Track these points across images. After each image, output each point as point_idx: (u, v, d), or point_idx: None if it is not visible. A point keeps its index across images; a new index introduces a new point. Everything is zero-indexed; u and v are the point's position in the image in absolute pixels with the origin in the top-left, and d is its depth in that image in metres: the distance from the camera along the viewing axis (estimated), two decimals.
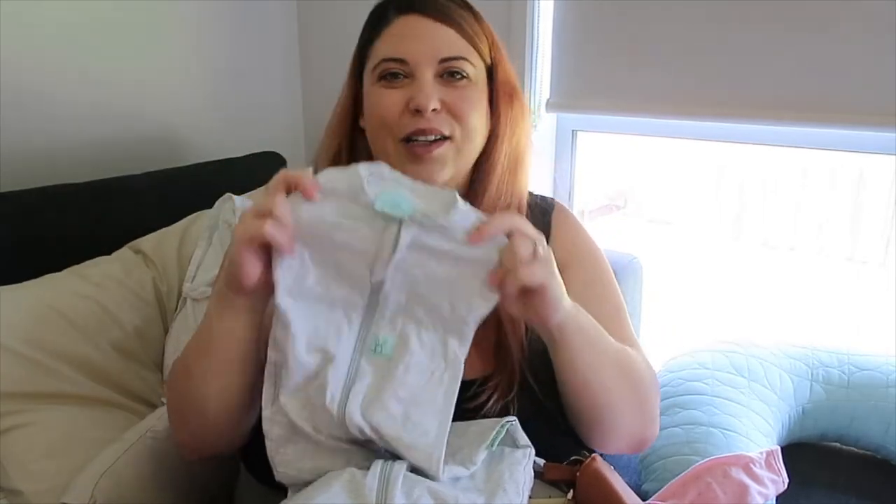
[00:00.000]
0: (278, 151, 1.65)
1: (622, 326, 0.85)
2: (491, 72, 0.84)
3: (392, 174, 0.68)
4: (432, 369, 0.66)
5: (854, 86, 1.16)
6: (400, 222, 0.65)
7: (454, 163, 0.81)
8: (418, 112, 0.77)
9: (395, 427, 0.64)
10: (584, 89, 1.47)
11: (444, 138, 0.79)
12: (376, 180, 0.67)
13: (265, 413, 0.67)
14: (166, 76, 1.58)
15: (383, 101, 0.80)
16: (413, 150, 0.79)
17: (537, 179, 1.57)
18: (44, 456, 0.97)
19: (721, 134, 1.38)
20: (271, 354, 0.67)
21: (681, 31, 1.31)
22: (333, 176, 0.67)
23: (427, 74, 0.79)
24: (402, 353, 0.66)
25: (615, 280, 0.90)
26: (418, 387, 0.66)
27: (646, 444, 0.81)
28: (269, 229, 0.62)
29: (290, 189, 0.65)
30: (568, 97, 1.49)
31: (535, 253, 0.64)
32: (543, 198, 0.95)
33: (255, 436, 0.76)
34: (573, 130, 1.58)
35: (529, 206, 0.90)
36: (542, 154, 1.58)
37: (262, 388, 0.69)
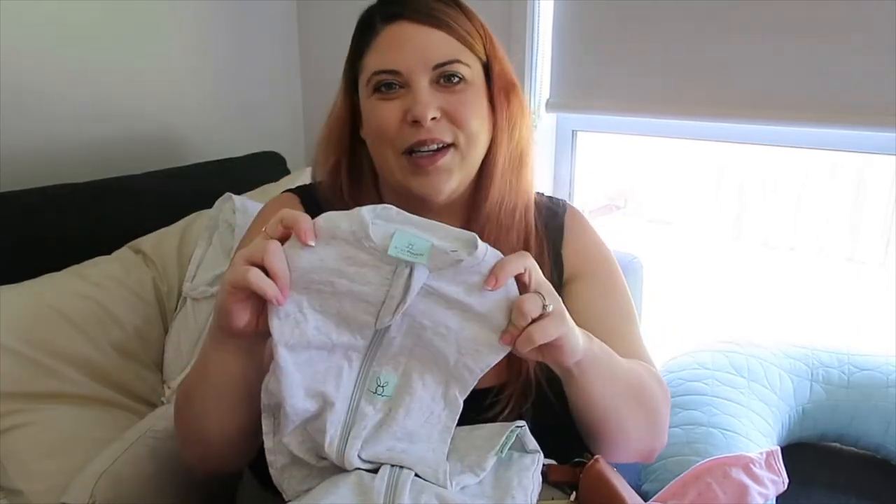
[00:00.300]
0: (278, 151, 1.65)
1: (633, 336, 0.84)
2: (487, 69, 0.82)
3: (400, 216, 0.63)
4: (431, 409, 0.65)
5: (854, 86, 1.16)
6: (412, 267, 0.61)
7: (460, 171, 0.79)
8: (417, 123, 0.75)
9: (393, 457, 0.64)
10: (584, 89, 1.47)
11: (447, 146, 0.77)
12: (382, 223, 0.63)
13: (267, 445, 0.67)
14: (166, 76, 1.58)
15: (380, 114, 0.78)
16: (416, 161, 0.77)
17: (537, 180, 1.57)
18: (44, 456, 0.97)
19: (721, 134, 1.38)
20: (265, 398, 0.65)
21: (680, 32, 1.31)
22: (335, 219, 0.62)
23: (422, 82, 0.76)
24: (403, 394, 0.65)
25: (626, 286, 0.89)
26: (416, 426, 0.65)
27: (654, 454, 0.81)
28: (254, 280, 0.59)
29: (288, 231, 0.62)
30: (568, 97, 1.49)
31: (544, 309, 0.61)
32: (553, 199, 0.93)
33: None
34: (573, 130, 1.58)
35: (538, 206, 0.88)
36: (542, 154, 1.58)
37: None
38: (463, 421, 0.66)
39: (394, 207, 0.64)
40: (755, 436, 1.09)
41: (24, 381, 1.00)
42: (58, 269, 1.14)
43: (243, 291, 0.61)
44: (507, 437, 0.67)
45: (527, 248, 0.81)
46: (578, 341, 0.65)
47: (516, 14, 1.46)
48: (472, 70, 0.79)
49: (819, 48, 1.18)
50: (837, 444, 1.24)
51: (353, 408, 0.65)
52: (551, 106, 1.52)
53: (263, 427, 0.66)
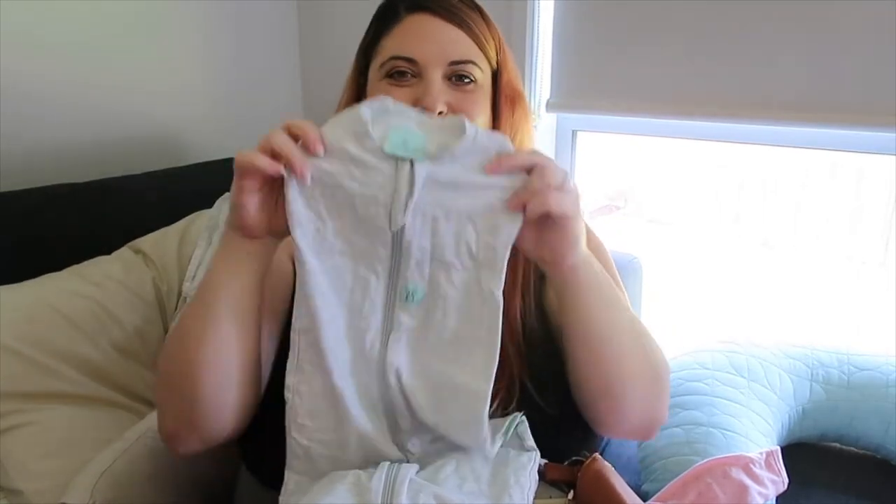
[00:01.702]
0: None
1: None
2: (496, 75, 0.83)
3: (396, 107, 0.66)
4: (469, 308, 0.66)
5: (854, 86, 1.16)
6: (411, 161, 0.63)
7: None
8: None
9: (431, 380, 0.65)
10: (584, 89, 1.47)
11: None
12: (381, 119, 0.65)
13: (288, 380, 0.67)
14: (166, 76, 1.58)
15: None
16: None
17: None
18: (44, 456, 0.97)
19: (721, 134, 1.38)
20: (297, 321, 0.66)
21: (680, 32, 1.31)
22: (337, 126, 0.65)
23: (436, 76, 0.78)
24: (435, 298, 0.66)
25: (617, 275, 0.88)
26: (459, 327, 0.66)
27: (655, 427, 0.77)
28: (264, 159, 0.63)
29: (295, 138, 0.65)
30: (568, 97, 1.49)
31: (564, 182, 0.64)
32: None
33: (256, 434, 0.76)
34: (573, 130, 1.58)
35: None
36: None
37: (259, 365, 0.69)
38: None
39: (389, 98, 0.67)
40: (755, 436, 1.09)
41: (24, 381, 1.00)
42: (58, 269, 1.14)
43: (254, 177, 0.63)
44: (509, 423, 0.68)
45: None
46: (581, 239, 0.67)
47: (516, 14, 1.46)
48: (483, 74, 0.81)
49: (819, 48, 1.18)
50: (837, 444, 1.24)
51: (390, 319, 0.67)
52: (551, 106, 1.52)
53: (288, 364, 0.67)
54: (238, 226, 0.67)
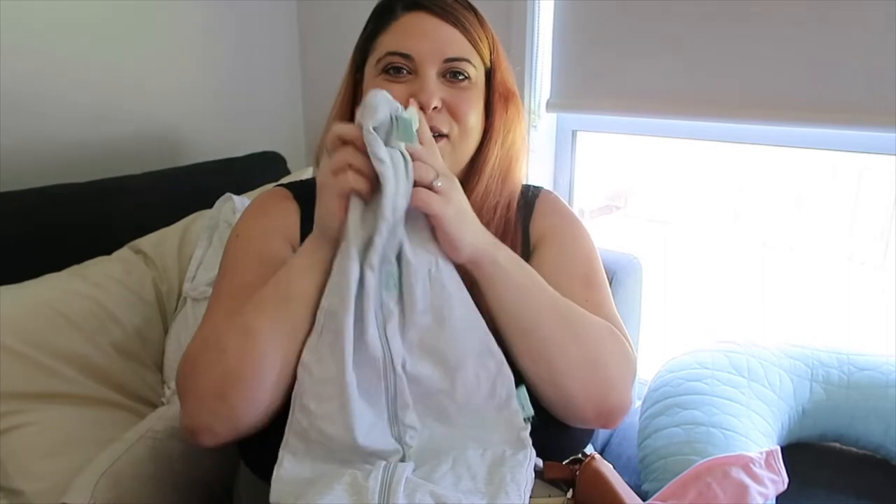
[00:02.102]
0: (278, 151, 1.65)
1: (594, 294, 0.82)
2: (489, 74, 0.86)
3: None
4: (429, 270, 0.70)
5: (854, 86, 1.16)
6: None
7: (449, 160, 0.81)
8: (421, 109, 0.78)
9: (424, 344, 0.69)
10: (584, 89, 1.47)
11: (442, 136, 0.81)
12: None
13: (305, 356, 0.69)
14: (167, 76, 1.58)
15: None
16: None
17: (537, 180, 1.57)
18: (44, 456, 0.97)
19: (721, 134, 1.38)
20: (327, 301, 0.69)
21: (681, 32, 1.31)
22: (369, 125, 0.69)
23: (431, 72, 0.80)
24: (407, 275, 0.69)
25: (597, 257, 0.88)
26: (433, 305, 0.70)
27: (612, 416, 0.74)
28: (356, 181, 0.67)
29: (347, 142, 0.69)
30: (568, 97, 1.49)
31: (434, 182, 0.68)
32: (535, 187, 0.96)
33: (256, 432, 0.76)
34: (573, 130, 1.58)
35: (518, 200, 0.90)
36: (542, 154, 1.58)
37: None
38: None
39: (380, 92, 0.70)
40: (755, 435, 1.09)
41: (24, 381, 1.00)
42: (58, 269, 1.14)
43: (348, 194, 0.68)
44: (519, 396, 0.71)
45: (503, 241, 0.81)
46: (465, 234, 0.70)
47: (516, 14, 1.46)
48: (476, 72, 0.83)
49: (819, 48, 1.18)
50: (837, 444, 1.24)
51: (381, 306, 0.69)
52: (551, 106, 1.52)
53: (308, 342, 0.70)
54: (332, 236, 0.71)
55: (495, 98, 0.86)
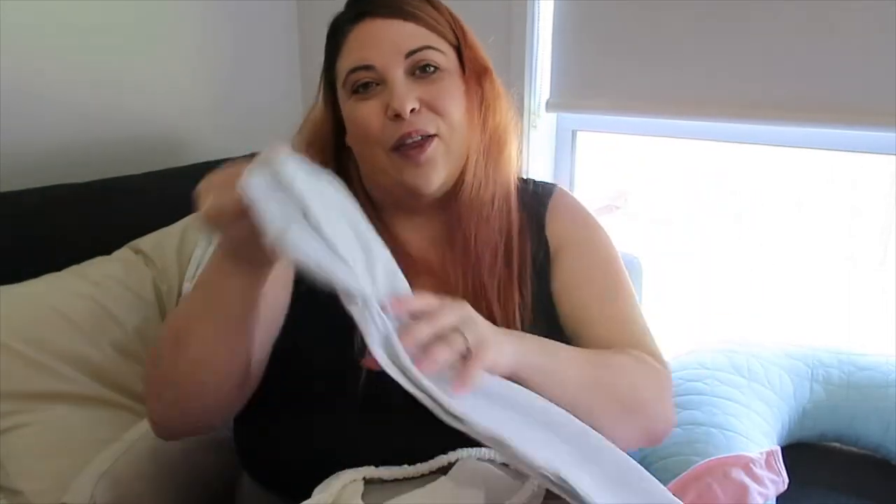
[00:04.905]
0: None
1: (620, 305, 0.80)
2: (461, 55, 0.81)
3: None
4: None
5: (854, 86, 1.16)
6: None
7: (445, 161, 0.78)
8: (398, 117, 0.75)
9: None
10: (584, 89, 1.46)
11: (430, 136, 0.77)
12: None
13: None
14: (166, 76, 1.58)
15: (361, 114, 0.77)
16: (406, 154, 0.76)
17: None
18: (44, 456, 0.97)
19: (721, 134, 1.38)
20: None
21: (681, 32, 1.31)
22: None
23: (397, 75, 0.76)
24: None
25: (618, 262, 0.86)
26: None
27: (658, 438, 0.76)
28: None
29: None
30: (568, 97, 1.49)
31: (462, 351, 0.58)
32: (544, 184, 0.92)
33: (255, 437, 0.76)
34: (573, 130, 1.58)
35: (521, 194, 0.87)
36: (542, 154, 1.58)
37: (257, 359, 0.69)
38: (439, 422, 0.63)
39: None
40: (755, 436, 1.09)
41: (24, 381, 1.00)
42: (58, 269, 1.14)
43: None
44: None
45: (508, 239, 0.80)
46: (501, 344, 0.62)
47: (516, 14, 1.46)
48: (446, 57, 0.79)
49: (819, 48, 1.18)
50: (837, 444, 1.24)
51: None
52: (551, 106, 1.51)
53: None
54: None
55: (469, 76, 0.81)
